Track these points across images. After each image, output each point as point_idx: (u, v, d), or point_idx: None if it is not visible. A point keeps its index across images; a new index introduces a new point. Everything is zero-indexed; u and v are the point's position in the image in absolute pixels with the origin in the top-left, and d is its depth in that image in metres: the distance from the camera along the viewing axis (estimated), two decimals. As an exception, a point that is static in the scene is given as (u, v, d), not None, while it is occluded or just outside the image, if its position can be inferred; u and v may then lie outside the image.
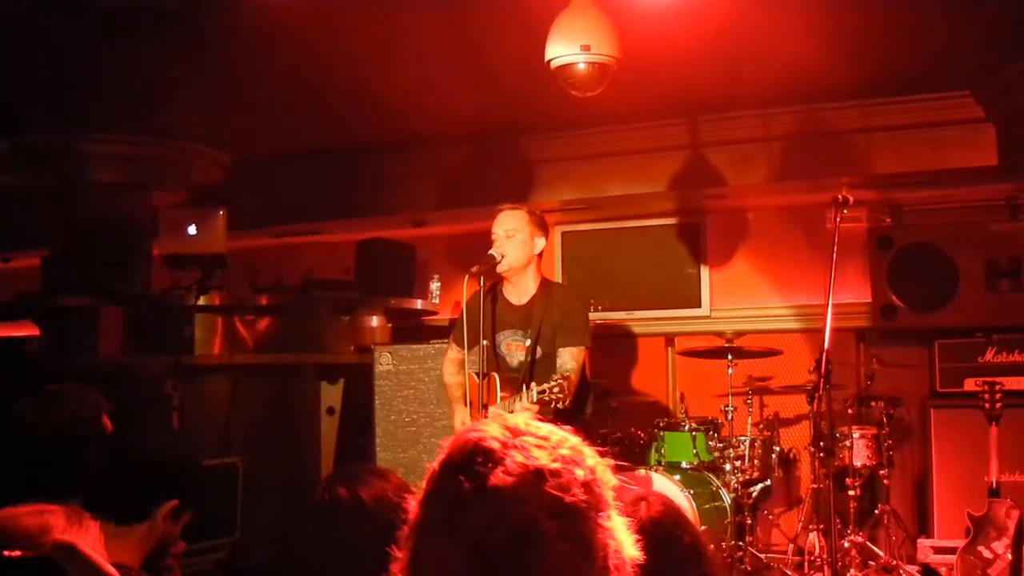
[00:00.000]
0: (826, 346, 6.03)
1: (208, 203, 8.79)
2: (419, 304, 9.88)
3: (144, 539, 3.24)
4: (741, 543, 7.99)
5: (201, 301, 8.39)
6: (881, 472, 8.18)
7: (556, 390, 5.67)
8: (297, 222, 10.40)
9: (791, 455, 8.94)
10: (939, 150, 8.15)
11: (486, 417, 6.05)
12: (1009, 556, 6.83)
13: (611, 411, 8.62)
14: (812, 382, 7.81)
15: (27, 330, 8.78)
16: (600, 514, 1.75)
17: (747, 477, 8.14)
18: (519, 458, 1.73)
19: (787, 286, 9.53)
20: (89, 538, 2.55)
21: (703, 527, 7.09)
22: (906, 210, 9.25)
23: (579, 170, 9.30)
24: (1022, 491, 7.48)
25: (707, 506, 7.74)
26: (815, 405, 7.71)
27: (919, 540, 7.99)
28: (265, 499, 7.84)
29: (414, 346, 8.44)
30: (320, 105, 8.20)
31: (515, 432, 1.80)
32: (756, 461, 8.18)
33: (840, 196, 6.51)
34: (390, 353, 8.45)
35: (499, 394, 6.24)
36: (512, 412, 5.93)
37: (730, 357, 8.46)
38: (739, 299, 9.78)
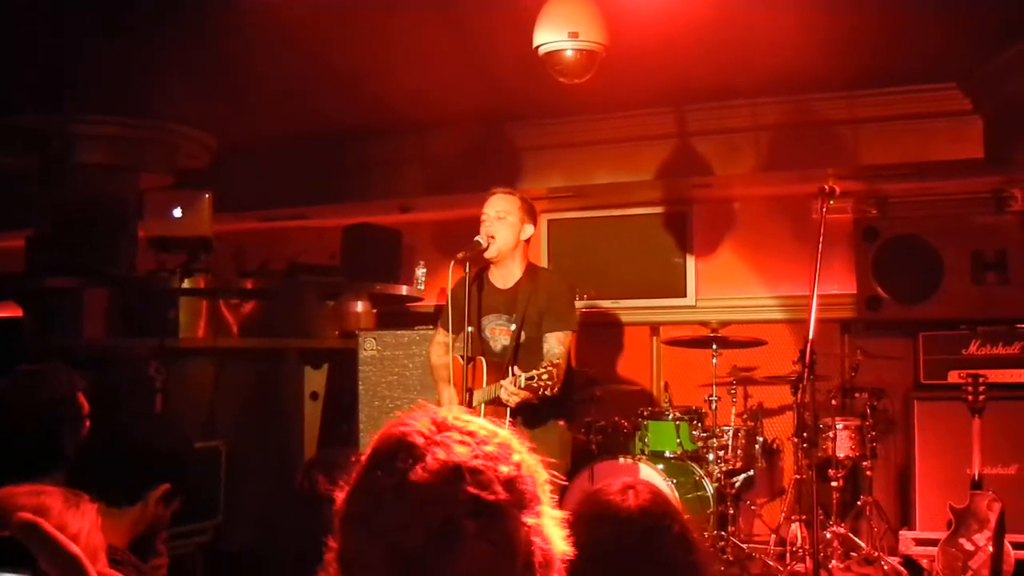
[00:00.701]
0: (811, 337, 6.04)
1: (194, 186, 8.77)
2: (404, 290, 9.87)
3: (135, 522, 3.24)
4: (723, 533, 8.01)
5: (186, 284, 8.35)
6: (864, 463, 8.21)
7: (545, 376, 5.64)
8: (283, 206, 10.37)
9: (774, 445, 8.96)
10: (926, 142, 8.16)
11: (471, 400, 6.07)
12: (990, 548, 6.85)
13: (595, 400, 8.62)
14: (796, 373, 7.81)
15: (10, 311, 8.74)
16: (524, 511, 1.70)
17: (730, 467, 8.15)
18: (440, 455, 1.69)
19: (772, 276, 9.53)
20: (85, 520, 2.54)
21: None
22: (892, 202, 9.26)
23: (566, 158, 9.29)
24: (1004, 484, 7.50)
25: (690, 496, 7.75)
26: (799, 396, 7.74)
27: (901, 532, 8.01)
28: (248, 483, 7.83)
29: (399, 332, 8.43)
30: (307, 90, 8.18)
31: (441, 427, 1.75)
32: (739, 451, 8.19)
33: (826, 187, 6.53)
34: (374, 339, 8.43)
35: (485, 378, 6.22)
36: (498, 397, 5.93)
37: (715, 347, 8.47)
38: (724, 289, 9.79)
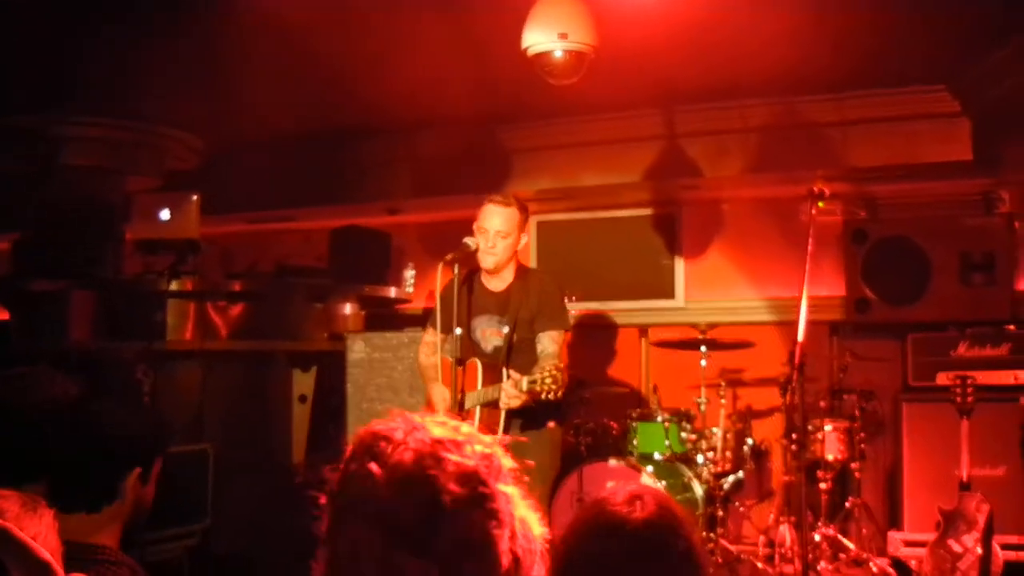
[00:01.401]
0: (800, 338, 6.04)
1: (182, 188, 8.75)
2: (393, 292, 9.85)
3: (121, 516, 3.21)
4: (712, 535, 8.00)
5: (173, 286, 8.34)
6: (853, 465, 8.21)
7: (549, 380, 5.57)
8: (271, 208, 10.35)
9: (763, 447, 8.95)
10: (914, 144, 8.17)
11: (463, 402, 6.04)
12: (979, 550, 6.84)
13: (584, 402, 8.61)
14: (785, 375, 7.81)
15: (-3, 314, 8.72)
16: (502, 485, 1.77)
17: (719, 469, 8.15)
18: (419, 435, 1.77)
19: (761, 278, 9.53)
20: (42, 525, 2.52)
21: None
22: (881, 204, 9.27)
23: (555, 159, 9.29)
24: (993, 485, 7.51)
25: (679, 498, 7.74)
26: (788, 398, 7.75)
27: (890, 533, 8.01)
28: (236, 486, 7.81)
29: (387, 334, 8.42)
30: (296, 92, 8.15)
31: (412, 421, 1.83)
32: (728, 453, 8.19)
33: (815, 189, 6.52)
34: (363, 341, 8.42)
35: (480, 380, 6.20)
36: (495, 399, 5.91)
37: (704, 349, 8.46)
38: (713, 291, 9.79)
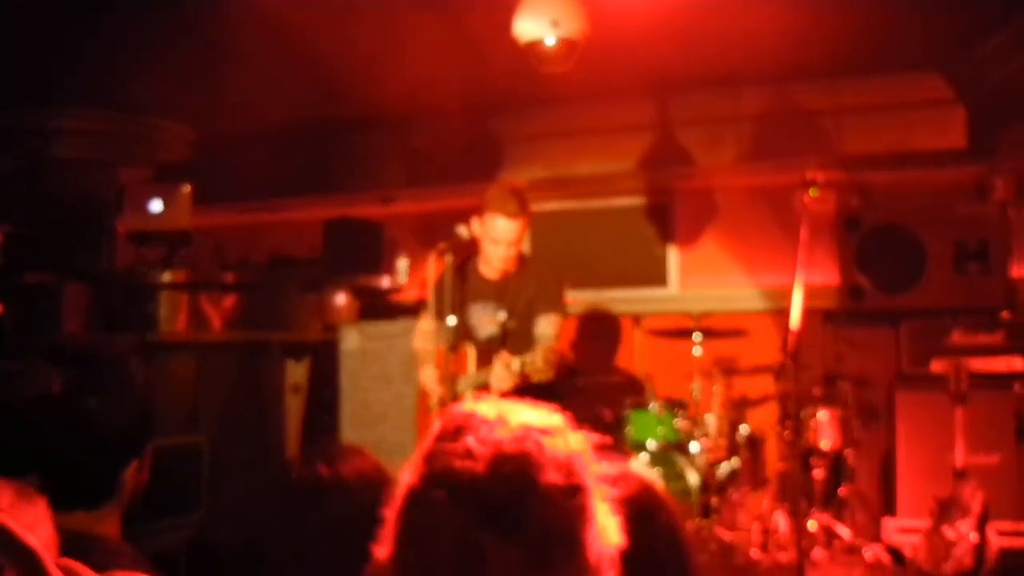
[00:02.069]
0: (794, 326, 6.03)
1: (174, 180, 8.73)
2: (386, 282, 9.83)
3: (114, 508, 3.20)
4: (707, 523, 8.00)
5: (166, 278, 8.32)
6: (847, 453, 8.20)
7: (539, 362, 5.59)
8: (264, 200, 10.34)
9: (757, 435, 8.93)
10: (909, 131, 8.18)
11: (455, 387, 6.03)
12: (973, 537, 6.86)
13: (578, 390, 8.60)
14: (779, 363, 7.82)
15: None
16: (591, 483, 1.73)
17: (713, 457, 8.14)
18: (515, 418, 1.73)
19: (755, 267, 9.52)
20: (37, 513, 2.50)
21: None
22: (875, 192, 9.24)
23: (548, 149, 9.28)
24: (987, 473, 7.50)
25: (673, 486, 7.74)
26: (782, 386, 7.75)
27: (884, 520, 8.01)
28: (230, 478, 7.80)
29: (381, 324, 8.41)
30: (288, 82, 8.14)
31: (505, 405, 1.79)
32: (722, 441, 8.18)
33: (809, 177, 6.51)
34: (356, 331, 8.41)
35: (473, 366, 6.19)
36: (487, 384, 5.90)
37: (697, 337, 8.46)
38: (707, 279, 9.77)
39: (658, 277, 9.93)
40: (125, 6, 6.50)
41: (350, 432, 8.21)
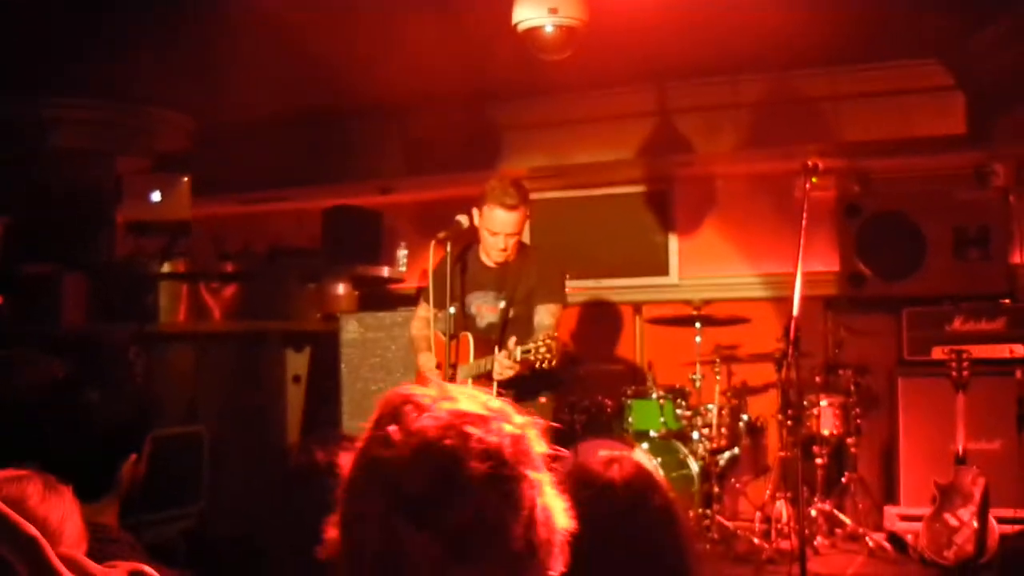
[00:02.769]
0: (795, 314, 6.02)
1: (173, 169, 8.71)
2: (386, 272, 9.82)
3: (113, 499, 3.20)
4: (708, 511, 8.00)
5: (165, 268, 8.32)
6: (848, 440, 8.20)
7: (543, 349, 5.55)
8: (263, 189, 10.32)
9: (759, 423, 8.94)
10: (908, 118, 8.16)
11: (453, 376, 6.02)
12: (975, 523, 6.85)
13: (579, 379, 8.60)
14: (780, 350, 7.82)
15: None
16: (527, 469, 1.70)
17: (715, 445, 8.15)
18: (446, 406, 1.71)
19: (755, 254, 9.50)
20: (65, 505, 2.50)
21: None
22: (874, 178, 9.24)
23: (548, 137, 9.26)
24: (988, 459, 7.50)
25: (674, 474, 7.74)
26: (783, 373, 7.73)
27: (886, 508, 8.00)
28: (230, 468, 7.80)
29: (380, 314, 8.39)
30: (286, 71, 8.12)
31: (445, 390, 1.77)
32: (724, 429, 8.19)
33: (809, 163, 6.49)
34: (356, 321, 8.40)
35: (472, 354, 6.17)
36: (488, 371, 5.88)
37: (698, 325, 8.45)
38: (707, 267, 9.76)
39: (658, 266, 9.91)
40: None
41: (351, 422, 8.20)
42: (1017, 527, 7.08)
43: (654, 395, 8.22)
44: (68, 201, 8.64)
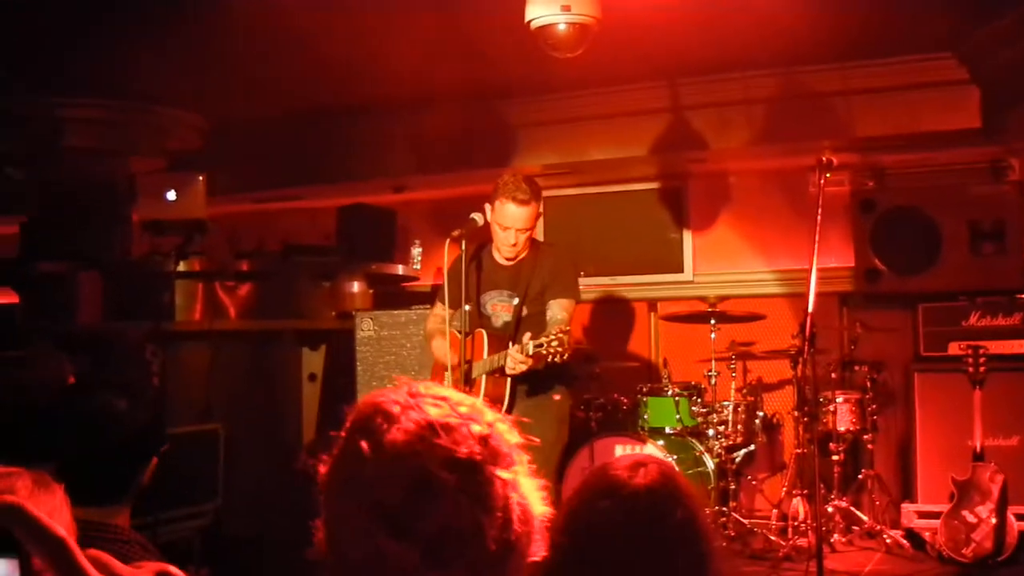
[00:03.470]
0: (810, 310, 6.00)
1: (187, 168, 8.73)
2: (400, 270, 9.83)
3: (127, 502, 3.21)
4: (725, 509, 8.00)
5: (181, 267, 8.34)
6: (865, 437, 8.18)
7: (555, 343, 5.54)
8: (277, 188, 10.34)
9: (775, 420, 8.93)
10: (922, 112, 8.13)
11: (470, 371, 6.01)
12: (993, 520, 6.83)
13: (594, 377, 8.59)
14: (795, 347, 7.79)
15: (5, 297, 8.71)
16: (499, 467, 1.74)
17: (730, 442, 8.14)
18: (414, 415, 1.75)
19: (770, 250, 9.49)
20: (55, 501, 2.51)
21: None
22: (889, 173, 9.22)
23: (560, 134, 9.26)
24: (1006, 455, 7.48)
25: (690, 472, 7.73)
26: (799, 370, 7.72)
27: (903, 505, 7.98)
28: (246, 466, 7.81)
29: (395, 312, 8.39)
30: (300, 70, 8.13)
31: (415, 395, 1.82)
32: (739, 426, 8.17)
33: (823, 159, 6.47)
34: (371, 319, 8.40)
35: (486, 350, 6.17)
36: (501, 366, 5.88)
37: (713, 322, 8.43)
38: (722, 264, 9.74)
39: (673, 262, 9.90)
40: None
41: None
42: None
43: (669, 392, 8.21)
44: (82, 199, 8.67)
